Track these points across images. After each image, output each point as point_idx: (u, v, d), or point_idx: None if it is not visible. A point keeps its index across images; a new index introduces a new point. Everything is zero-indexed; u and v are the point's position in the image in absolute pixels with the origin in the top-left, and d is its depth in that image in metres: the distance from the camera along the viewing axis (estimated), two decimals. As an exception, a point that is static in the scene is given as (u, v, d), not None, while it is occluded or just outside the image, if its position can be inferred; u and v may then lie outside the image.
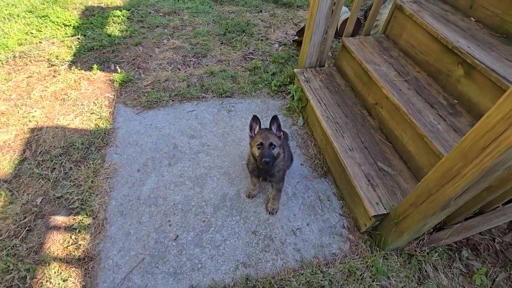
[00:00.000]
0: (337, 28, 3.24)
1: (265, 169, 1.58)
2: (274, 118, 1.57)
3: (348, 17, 2.87)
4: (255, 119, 1.59)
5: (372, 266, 1.58)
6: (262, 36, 3.45)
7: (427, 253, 1.65)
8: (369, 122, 2.10)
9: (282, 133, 1.61)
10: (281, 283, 1.52)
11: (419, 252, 1.64)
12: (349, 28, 2.37)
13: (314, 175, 2.08)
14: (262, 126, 1.62)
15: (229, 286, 1.51)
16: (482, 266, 1.68)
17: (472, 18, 2.04)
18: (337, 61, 2.57)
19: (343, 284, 1.53)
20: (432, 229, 1.68)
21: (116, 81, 2.61)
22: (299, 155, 2.20)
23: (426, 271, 1.62)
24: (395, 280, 1.57)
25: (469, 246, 1.78)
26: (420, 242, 1.67)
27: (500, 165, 0.98)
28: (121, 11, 3.52)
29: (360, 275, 1.56)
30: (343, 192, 1.96)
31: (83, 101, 2.43)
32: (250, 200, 1.89)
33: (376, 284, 1.53)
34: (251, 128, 1.60)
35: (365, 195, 1.65)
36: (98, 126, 2.23)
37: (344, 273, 1.57)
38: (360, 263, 1.61)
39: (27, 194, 1.81)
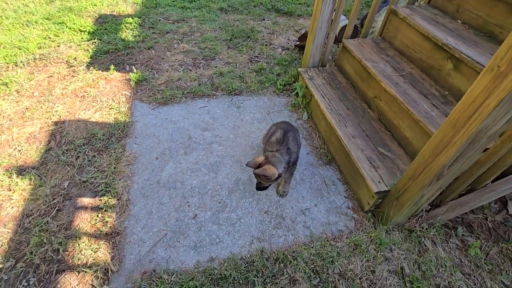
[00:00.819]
0: (336, 34, 3.49)
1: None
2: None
3: (346, 24, 3.12)
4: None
5: (376, 239, 1.73)
6: (266, 42, 3.68)
7: (426, 229, 1.80)
8: (369, 114, 2.29)
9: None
10: (294, 255, 1.65)
11: (418, 228, 1.79)
12: (348, 31, 2.59)
13: (320, 163, 2.24)
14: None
15: (245, 257, 1.64)
16: (476, 241, 1.82)
17: (459, 20, 2.27)
18: (337, 61, 2.79)
19: (350, 256, 1.67)
20: (429, 206, 1.84)
21: (132, 80, 2.79)
22: (305, 146, 2.37)
23: (425, 244, 1.76)
24: (397, 252, 1.71)
25: (464, 224, 1.93)
26: (419, 219, 1.82)
27: (483, 132, 1.16)
28: (132, 18, 3.75)
29: (365, 247, 1.70)
30: (347, 177, 2.12)
31: (102, 98, 2.60)
32: (261, 185, 2.04)
33: (380, 255, 1.67)
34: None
35: (368, 175, 1.81)
36: (117, 120, 2.40)
37: (351, 246, 1.71)
38: (365, 237, 1.75)
39: (55, 179, 1.94)
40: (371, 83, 2.29)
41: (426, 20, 2.26)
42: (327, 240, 1.74)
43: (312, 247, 1.69)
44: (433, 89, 2.07)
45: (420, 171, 1.46)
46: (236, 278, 1.53)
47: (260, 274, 1.56)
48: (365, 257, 1.66)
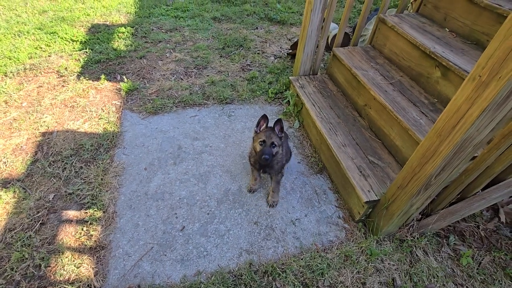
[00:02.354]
0: (328, 43, 3.52)
1: (265, 163, 1.72)
2: (278, 121, 1.73)
3: (337, 33, 3.15)
4: (264, 117, 1.75)
5: (367, 250, 1.70)
6: (258, 50, 3.70)
7: (417, 238, 1.77)
8: (359, 122, 2.28)
9: (283, 135, 1.77)
10: (283, 267, 1.62)
11: (410, 238, 1.77)
12: (339, 39, 2.61)
13: (311, 172, 2.22)
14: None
15: (233, 271, 1.60)
16: (468, 250, 1.80)
17: (446, 28, 2.29)
18: (328, 69, 2.80)
19: (340, 267, 1.64)
20: (420, 216, 1.82)
21: (123, 90, 2.77)
22: (296, 155, 2.35)
23: (417, 255, 1.73)
24: (388, 263, 1.68)
25: (456, 233, 1.91)
26: (410, 228, 1.80)
27: (468, 141, 1.15)
28: (125, 28, 3.76)
29: (356, 258, 1.67)
30: (337, 186, 2.10)
31: (91, 108, 2.58)
32: (251, 195, 2.02)
33: (371, 266, 1.64)
34: (258, 124, 1.76)
35: (358, 184, 1.79)
36: (106, 130, 2.37)
37: (341, 257, 1.68)
38: (356, 248, 1.72)
39: (40, 191, 1.90)
40: (361, 91, 2.30)
41: (414, 28, 2.28)
42: (317, 252, 1.71)
43: (301, 259, 1.66)
44: (422, 97, 2.07)
45: (408, 180, 1.44)
46: (223, 293, 1.49)
47: (248, 288, 1.52)
48: (356, 268, 1.63)
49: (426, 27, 2.32)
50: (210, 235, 1.76)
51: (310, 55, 2.62)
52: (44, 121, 2.41)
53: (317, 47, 2.61)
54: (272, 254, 1.70)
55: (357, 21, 4.00)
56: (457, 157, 1.23)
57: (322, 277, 1.58)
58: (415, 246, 1.75)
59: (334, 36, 3.48)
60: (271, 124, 1.77)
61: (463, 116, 1.10)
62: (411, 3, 3.02)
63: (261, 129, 1.75)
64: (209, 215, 1.87)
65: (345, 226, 1.88)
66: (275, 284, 1.55)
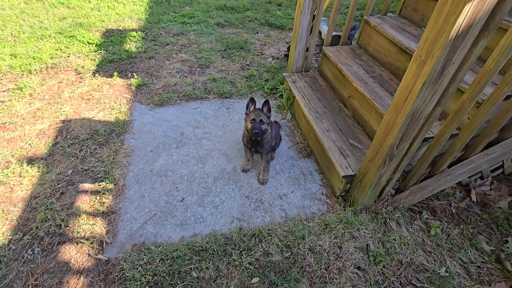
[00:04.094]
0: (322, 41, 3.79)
1: (255, 140, 1.97)
2: (266, 102, 1.99)
3: (334, 35, 3.41)
4: (252, 100, 2.01)
5: (344, 219, 1.91)
6: (258, 52, 3.99)
7: (391, 211, 1.97)
8: (344, 112, 2.52)
9: (271, 114, 2.02)
10: (269, 232, 1.84)
11: (384, 211, 1.97)
12: (328, 39, 2.87)
13: (299, 156, 2.45)
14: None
15: (225, 234, 1.83)
16: (437, 222, 1.98)
17: (423, 28, 2.54)
18: (319, 67, 3.05)
19: (320, 233, 1.85)
20: (395, 192, 2.03)
21: (133, 85, 3.08)
22: (287, 142, 2.59)
23: (390, 225, 1.93)
24: (363, 232, 1.88)
25: (429, 209, 2.10)
26: (385, 203, 2.00)
27: (417, 112, 1.38)
28: (136, 32, 4.12)
29: (334, 226, 1.88)
30: (322, 167, 2.32)
31: (105, 100, 2.89)
32: (244, 174, 2.25)
33: (347, 233, 1.85)
34: (247, 107, 2.02)
35: (338, 162, 2.02)
36: (118, 118, 2.66)
37: (321, 225, 1.89)
38: (335, 218, 1.93)
39: (60, 167, 2.19)
40: (346, 84, 2.54)
41: (394, 28, 2.53)
42: (301, 221, 1.93)
43: (286, 226, 1.88)
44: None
45: (376, 152, 1.67)
46: (215, 250, 1.72)
47: (237, 247, 1.75)
48: (334, 234, 1.84)
49: (405, 27, 2.57)
50: (206, 205, 2.00)
51: (301, 53, 2.88)
52: (64, 111, 2.72)
53: (307, 47, 2.88)
54: (260, 222, 1.93)
55: (352, 24, 4.28)
56: (411, 128, 1.45)
57: (303, 240, 1.80)
58: (389, 218, 1.95)
59: (333, 36, 3.75)
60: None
61: (411, 91, 1.33)
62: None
63: (250, 110, 2.01)
64: (206, 189, 2.11)
65: (327, 202, 2.09)
66: (261, 245, 1.77)
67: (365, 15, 2.76)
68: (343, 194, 2.07)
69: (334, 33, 3.32)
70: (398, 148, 1.56)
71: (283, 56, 3.93)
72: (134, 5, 4.99)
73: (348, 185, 2.01)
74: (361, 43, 2.89)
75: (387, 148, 1.56)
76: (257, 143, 2.01)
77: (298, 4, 2.59)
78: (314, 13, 2.74)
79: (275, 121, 2.38)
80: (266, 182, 2.18)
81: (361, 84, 2.33)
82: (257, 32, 4.55)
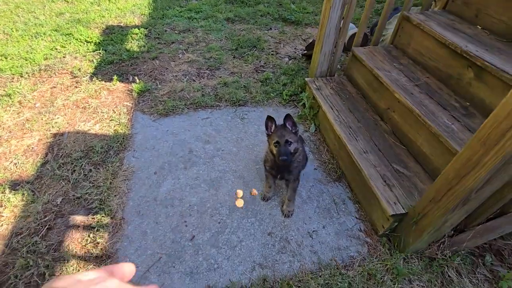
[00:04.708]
0: (345, 42, 3.37)
1: (284, 166, 1.60)
2: (287, 117, 1.60)
3: (354, 33, 3.01)
4: (270, 118, 1.63)
5: (393, 269, 1.54)
6: (272, 51, 3.59)
7: (449, 257, 1.60)
8: (381, 127, 2.13)
9: (297, 128, 1.64)
10: (299, 285, 1.49)
11: (441, 256, 1.60)
12: (358, 39, 2.46)
13: (328, 179, 2.08)
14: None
15: (246, 287, 1.49)
16: (508, 271, 1.61)
17: (478, 26, 2.11)
18: (347, 70, 2.65)
19: (363, 287, 1.49)
20: (452, 232, 1.65)
21: (134, 91, 2.73)
22: (313, 160, 2.22)
23: (449, 275, 1.56)
24: (417, 284, 1.52)
25: (493, 252, 1.72)
26: (441, 246, 1.63)
27: (521, 151, 0.99)
28: (139, 29, 3.73)
29: (380, 278, 1.52)
30: (358, 195, 1.95)
31: (103, 109, 2.54)
32: (265, 203, 1.90)
33: (398, 287, 1.49)
34: (266, 127, 1.65)
35: (382, 195, 1.64)
36: (117, 132, 2.31)
37: (364, 275, 1.53)
38: (380, 266, 1.57)
39: (48, 194, 1.86)
40: (383, 93, 2.14)
41: (442, 26, 2.11)
42: (337, 268, 1.57)
43: (320, 276, 1.52)
44: (452, 100, 1.90)
45: (442, 193, 1.29)
46: (234, 311, 1.38)
47: (262, 307, 1.40)
48: (380, 288, 1.48)
49: (456, 25, 2.14)
50: (221, 246, 1.66)
51: (327, 56, 2.48)
52: (56, 122, 2.38)
53: (335, 47, 2.48)
54: (287, 269, 1.57)
55: (374, 21, 3.84)
56: (505, 168, 1.07)
57: (343, 297, 1.45)
58: (447, 266, 1.58)
59: (351, 36, 3.34)
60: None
61: (516, 123, 0.94)
62: (434, 0, 2.83)
63: (271, 130, 1.63)
64: (220, 224, 1.76)
65: (367, 241, 1.73)
66: (291, 303, 1.42)
67: (403, 11, 2.33)
68: (387, 232, 1.70)
69: (353, 32, 2.92)
70: (479, 192, 1.18)
71: (301, 55, 3.52)
72: (136, -2, 4.60)
73: (396, 224, 1.64)
74: (397, 44, 2.48)
75: (463, 193, 1.18)
76: (285, 169, 1.64)
77: (327, -2, 2.18)
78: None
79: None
80: (291, 215, 1.82)
81: (404, 94, 1.93)
82: (270, 28, 4.13)
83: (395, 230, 1.67)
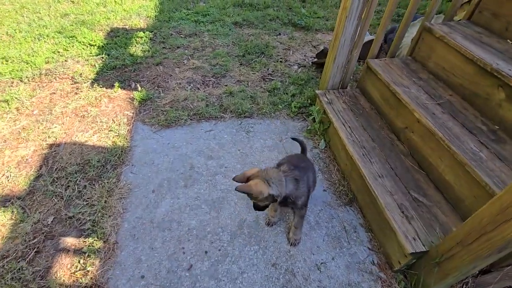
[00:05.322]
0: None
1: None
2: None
3: (368, 40, 2.84)
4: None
5: (410, 312, 1.39)
6: (281, 58, 3.44)
7: (473, 299, 1.44)
8: (398, 147, 1.96)
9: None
10: (306, 328, 1.34)
11: (464, 298, 1.43)
12: (374, 51, 2.30)
13: (338, 203, 1.93)
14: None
15: (246, 328, 1.35)
16: (540, 318, 1.44)
17: (509, 40, 1.93)
18: (360, 83, 2.49)
19: (376, 333, 1.34)
20: (477, 272, 1.48)
21: (136, 99, 2.61)
22: (322, 180, 2.07)
23: (473, 321, 1.40)
24: (437, 331, 1.36)
25: (521, 293, 1.54)
26: (464, 286, 1.46)
27: None
28: (144, 32, 3.63)
29: (396, 322, 1.36)
30: (371, 223, 1.79)
31: (102, 118, 2.43)
32: (270, 228, 1.76)
33: (416, 335, 1.33)
34: None
35: (400, 228, 1.48)
36: (116, 144, 2.20)
37: (378, 319, 1.38)
38: (396, 308, 1.41)
39: (39, 213, 1.75)
40: (401, 111, 1.98)
41: (469, 39, 1.94)
42: (348, 309, 1.42)
43: (329, 318, 1.38)
44: (478, 122, 1.73)
45: (474, 238, 1.13)
46: None
47: None
48: (397, 336, 1.32)
49: (483, 38, 1.97)
50: (221, 277, 1.52)
51: (341, 67, 2.33)
52: (53, 132, 2.28)
53: (349, 57, 2.32)
54: (293, 308, 1.43)
55: (388, 27, 3.65)
56: (554, 221, 0.91)
57: None
58: (471, 311, 1.41)
59: (364, 43, 3.17)
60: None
61: None
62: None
63: None
64: (220, 251, 1.62)
65: (380, 276, 1.57)
66: None
67: (425, 21, 2.16)
68: (403, 269, 1.54)
69: (367, 39, 2.77)
70: (519, 241, 1.02)
71: (311, 63, 3.36)
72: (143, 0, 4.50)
73: (414, 261, 1.48)
74: (416, 56, 2.30)
75: (500, 242, 1.02)
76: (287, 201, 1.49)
77: (342, 7, 2.03)
78: (360, 18, 2.16)
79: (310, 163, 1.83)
80: (298, 243, 1.68)
81: (425, 114, 1.76)
82: (280, 34, 3.98)
83: (412, 267, 1.51)
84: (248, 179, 1.37)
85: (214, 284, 1.49)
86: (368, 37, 3.18)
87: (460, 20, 2.28)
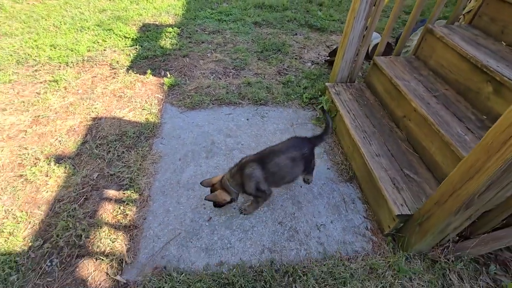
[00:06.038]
0: (368, 52, 3.45)
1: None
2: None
3: (378, 42, 3.07)
4: None
5: (394, 265, 1.62)
6: (296, 55, 3.73)
7: (452, 261, 1.66)
8: (396, 133, 2.20)
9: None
10: (304, 270, 1.61)
11: (443, 259, 1.66)
12: (380, 48, 2.55)
13: (340, 179, 2.18)
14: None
15: (255, 266, 1.62)
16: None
17: (503, 42, 2.14)
18: (367, 78, 2.74)
19: (364, 279, 1.58)
20: (458, 237, 1.70)
21: (165, 85, 2.96)
22: (326, 160, 2.33)
23: (450, 278, 1.62)
24: (417, 283, 1.59)
25: (498, 262, 1.75)
26: (445, 250, 1.69)
27: (521, 159, 1.07)
28: (172, 28, 4.01)
29: (382, 272, 1.61)
30: (367, 196, 2.04)
31: (137, 99, 2.79)
32: (278, 194, 2.03)
33: (398, 283, 1.57)
34: None
35: (390, 196, 1.73)
36: (148, 120, 2.54)
37: (366, 269, 1.63)
38: (382, 262, 1.66)
39: (86, 169, 2.09)
40: (400, 101, 2.22)
41: (466, 40, 2.16)
42: (341, 260, 1.67)
43: (324, 265, 1.63)
44: (469, 113, 1.95)
45: (447, 196, 1.37)
46: (243, 286, 1.52)
47: (268, 285, 1.53)
48: (381, 283, 1.57)
49: (479, 40, 2.19)
50: (235, 228, 1.81)
51: (348, 63, 2.59)
52: (95, 108, 2.65)
53: (357, 55, 2.58)
54: (294, 256, 1.70)
55: (400, 32, 3.87)
56: (506, 175, 1.14)
57: (344, 286, 1.55)
58: (449, 269, 1.64)
59: (375, 45, 3.41)
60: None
61: (516, 132, 1.03)
62: (463, 14, 2.86)
63: None
64: (235, 209, 1.91)
65: (372, 238, 1.81)
66: (295, 286, 1.54)
67: (428, 23, 2.40)
68: (392, 232, 1.78)
69: (377, 41, 2.99)
70: (481, 196, 1.25)
71: (324, 61, 3.63)
72: (172, -1, 4.90)
73: (401, 224, 1.72)
74: (419, 55, 2.54)
75: (465, 196, 1.26)
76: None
77: (351, 9, 2.30)
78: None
79: (308, 138, 1.98)
80: (246, 214, 1.89)
81: (421, 104, 2.00)
82: (296, 34, 4.28)
83: (400, 230, 1.75)
84: (213, 185, 1.75)
85: (229, 233, 1.78)
86: (379, 39, 3.41)
87: (462, 23, 2.50)
